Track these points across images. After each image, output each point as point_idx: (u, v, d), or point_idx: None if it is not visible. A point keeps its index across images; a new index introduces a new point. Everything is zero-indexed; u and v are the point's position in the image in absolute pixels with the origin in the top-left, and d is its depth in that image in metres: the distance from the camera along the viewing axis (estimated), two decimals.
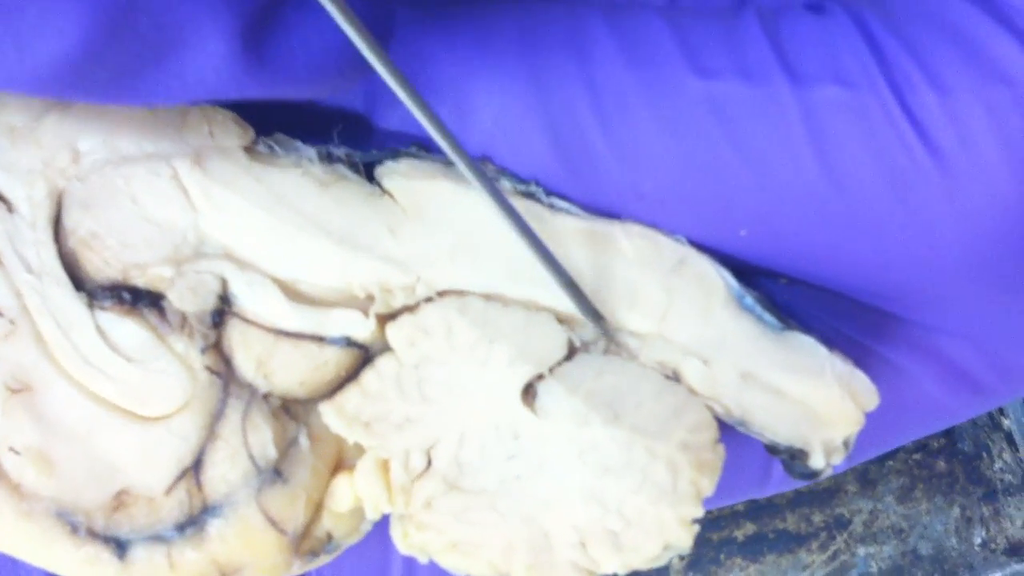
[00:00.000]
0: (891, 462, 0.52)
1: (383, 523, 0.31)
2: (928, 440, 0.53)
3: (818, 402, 0.27)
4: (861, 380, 0.27)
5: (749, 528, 0.50)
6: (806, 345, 0.27)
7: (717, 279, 0.27)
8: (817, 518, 0.51)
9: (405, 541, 0.28)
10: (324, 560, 0.29)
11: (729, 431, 0.28)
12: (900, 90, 0.25)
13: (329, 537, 0.28)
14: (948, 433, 0.53)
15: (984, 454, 0.53)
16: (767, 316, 0.27)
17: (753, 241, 0.27)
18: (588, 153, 0.26)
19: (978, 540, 0.51)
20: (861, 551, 0.51)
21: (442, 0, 0.28)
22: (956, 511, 0.52)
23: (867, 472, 0.52)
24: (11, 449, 0.27)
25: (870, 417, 0.28)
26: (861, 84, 0.25)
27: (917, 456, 0.53)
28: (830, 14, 0.27)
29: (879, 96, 0.25)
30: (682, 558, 0.50)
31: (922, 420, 0.32)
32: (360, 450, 0.28)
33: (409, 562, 0.32)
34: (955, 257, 0.26)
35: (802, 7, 0.27)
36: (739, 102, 0.26)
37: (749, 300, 0.27)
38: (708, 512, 0.28)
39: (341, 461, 0.29)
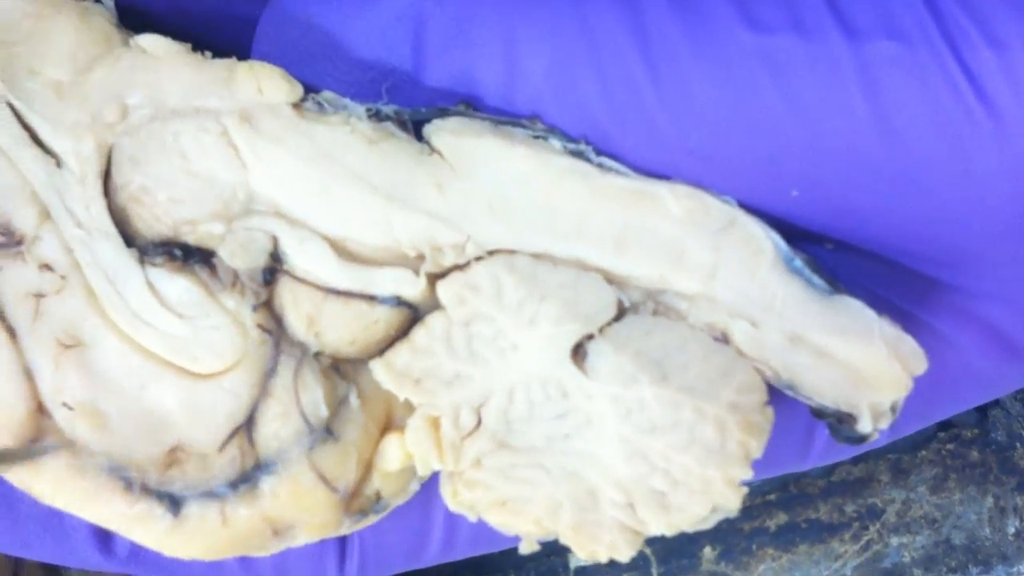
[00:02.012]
0: (924, 452, 0.53)
1: (423, 487, 0.32)
2: (961, 430, 0.53)
3: (866, 365, 0.28)
4: (909, 344, 0.28)
5: (781, 518, 0.51)
6: (854, 308, 0.28)
7: (766, 241, 0.28)
8: (850, 508, 0.52)
9: (454, 499, 0.29)
10: (372, 520, 0.30)
11: (772, 401, 0.29)
12: (956, 45, 0.26)
13: (378, 497, 0.29)
14: (981, 423, 0.53)
15: (1018, 444, 0.53)
16: (816, 279, 0.28)
17: (803, 201, 0.28)
18: (639, 107, 0.27)
19: (1012, 530, 0.52)
20: (894, 541, 0.52)
21: None
22: (989, 501, 0.52)
23: (900, 462, 0.53)
24: (64, 404, 0.28)
25: (914, 388, 0.28)
26: (916, 39, 0.26)
27: (950, 446, 0.53)
28: None
29: (934, 51, 0.26)
30: (714, 548, 0.50)
31: (966, 389, 0.33)
32: (409, 410, 0.29)
33: (450, 525, 0.33)
34: (1005, 214, 0.27)
35: None
36: (793, 57, 0.26)
37: (798, 262, 0.28)
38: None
39: (390, 421, 0.30)
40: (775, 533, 0.51)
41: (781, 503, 0.51)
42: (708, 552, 0.50)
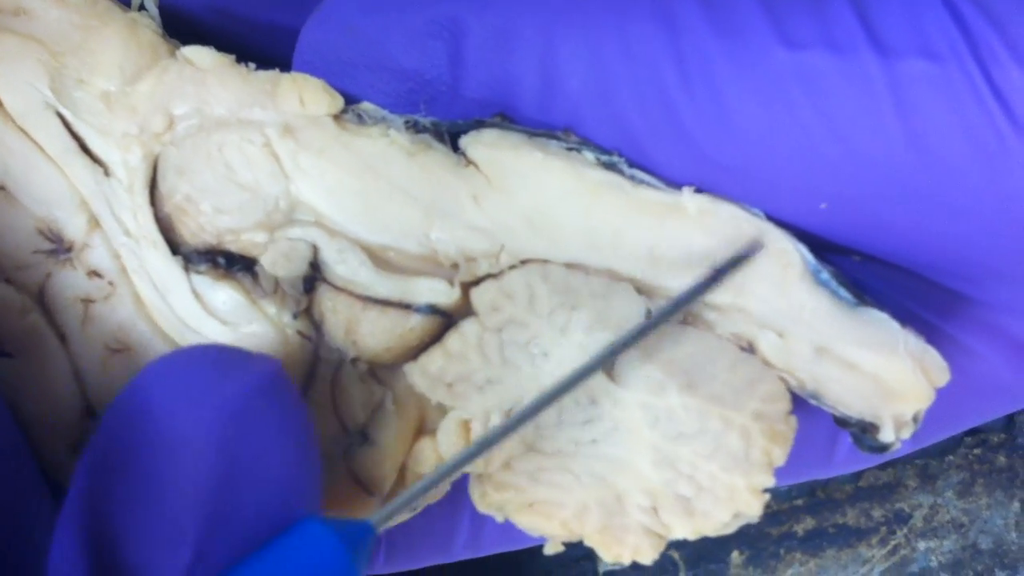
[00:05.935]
0: (951, 457, 0.54)
1: (452, 487, 0.33)
2: (988, 435, 0.54)
3: (890, 377, 0.29)
4: (933, 356, 0.29)
5: (809, 523, 0.52)
6: (880, 321, 0.29)
7: (794, 253, 0.29)
8: (877, 513, 0.53)
9: (483, 500, 0.30)
10: (404, 519, 0.31)
11: (796, 408, 0.30)
12: (985, 64, 0.27)
13: None
14: (1008, 428, 0.54)
15: None
16: (842, 291, 0.29)
17: (833, 215, 0.29)
18: (674, 120, 0.28)
19: None
20: (921, 546, 0.53)
21: None
22: (1016, 505, 0.53)
23: (927, 467, 0.54)
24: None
25: (938, 398, 0.29)
26: (947, 58, 0.27)
27: (977, 451, 0.54)
28: None
29: (965, 70, 0.27)
30: (742, 553, 0.52)
31: (990, 400, 0.34)
32: (441, 414, 0.31)
33: (476, 524, 0.34)
34: None
35: None
36: (826, 74, 0.27)
37: (825, 275, 0.29)
38: (768, 506, 0.30)
39: (423, 424, 0.31)
40: (803, 538, 0.52)
41: (809, 508, 0.52)
42: (736, 557, 0.51)
